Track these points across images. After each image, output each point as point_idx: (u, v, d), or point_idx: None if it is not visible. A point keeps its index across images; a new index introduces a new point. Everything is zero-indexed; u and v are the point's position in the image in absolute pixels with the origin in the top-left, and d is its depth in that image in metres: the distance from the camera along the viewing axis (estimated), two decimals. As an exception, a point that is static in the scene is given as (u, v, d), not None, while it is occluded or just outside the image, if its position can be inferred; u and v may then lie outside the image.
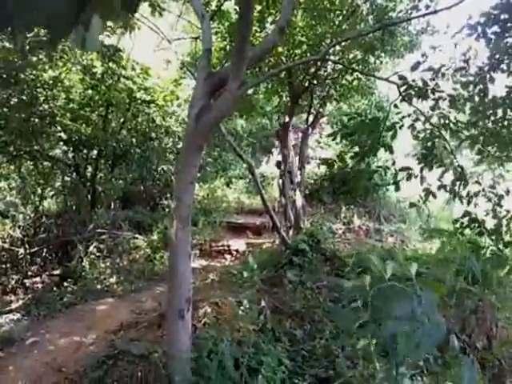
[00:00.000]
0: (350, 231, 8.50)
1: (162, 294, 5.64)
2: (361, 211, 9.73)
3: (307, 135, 8.55)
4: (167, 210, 9.87)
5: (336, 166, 11.13)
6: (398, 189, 4.92)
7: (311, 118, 8.53)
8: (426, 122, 4.81)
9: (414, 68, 4.57)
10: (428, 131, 4.93)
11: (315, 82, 7.76)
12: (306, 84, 7.77)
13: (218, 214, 10.22)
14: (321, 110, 8.64)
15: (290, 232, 7.18)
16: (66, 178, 9.16)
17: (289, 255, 5.66)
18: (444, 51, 5.44)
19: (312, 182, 11.49)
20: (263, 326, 3.64)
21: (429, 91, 4.58)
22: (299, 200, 8.05)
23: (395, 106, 5.06)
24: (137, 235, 7.97)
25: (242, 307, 4.06)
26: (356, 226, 8.93)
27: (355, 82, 8.21)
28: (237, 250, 8.09)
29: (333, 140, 8.27)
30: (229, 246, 8.48)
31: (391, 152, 5.55)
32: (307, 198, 9.96)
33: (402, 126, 5.36)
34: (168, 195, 10.62)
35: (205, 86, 2.39)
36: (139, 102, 8.91)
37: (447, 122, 4.59)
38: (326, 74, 7.91)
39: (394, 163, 5.26)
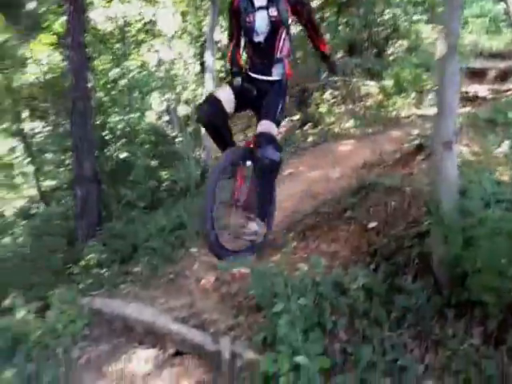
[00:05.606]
0: None
1: (398, 138, 5.62)
2: None
3: None
4: (392, 57, 9.37)
5: None
6: None
7: None
8: None
9: None
10: None
11: None
12: None
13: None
14: None
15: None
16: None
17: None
18: None
19: None
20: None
21: None
22: None
23: None
24: (368, 81, 7.89)
25: (500, 149, 3.79)
26: None
27: None
28: (477, 97, 7.33)
29: None
30: (467, 93, 7.72)
31: None
32: None
33: None
34: (394, 41, 9.96)
35: None
36: None
37: None
38: None
39: None
